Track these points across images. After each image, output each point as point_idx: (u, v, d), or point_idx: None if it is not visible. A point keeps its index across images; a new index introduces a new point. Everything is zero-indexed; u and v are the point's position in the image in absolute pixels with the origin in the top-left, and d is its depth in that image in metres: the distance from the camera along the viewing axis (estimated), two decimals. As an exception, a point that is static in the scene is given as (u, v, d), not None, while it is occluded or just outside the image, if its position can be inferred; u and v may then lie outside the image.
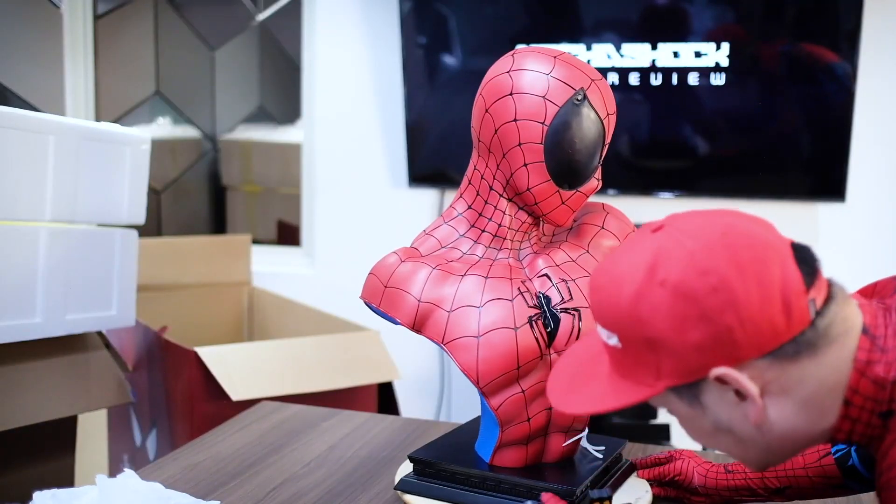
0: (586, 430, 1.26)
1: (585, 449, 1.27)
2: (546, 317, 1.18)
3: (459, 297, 1.17)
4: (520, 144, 1.16)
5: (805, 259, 0.80)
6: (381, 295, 1.19)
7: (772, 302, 0.77)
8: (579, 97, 1.14)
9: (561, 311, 1.18)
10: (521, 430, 1.20)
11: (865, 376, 0.80)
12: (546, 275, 1.20)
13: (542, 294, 1.19)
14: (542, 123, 1.14)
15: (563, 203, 1.19)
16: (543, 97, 1.14)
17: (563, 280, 1.20)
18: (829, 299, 0.80)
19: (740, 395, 0.80)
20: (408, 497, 1.24)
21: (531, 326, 1.16)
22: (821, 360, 0.80)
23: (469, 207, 1.23)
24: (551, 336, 1.18)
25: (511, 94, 1.15)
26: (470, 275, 1.18)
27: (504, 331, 1.15)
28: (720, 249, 0.78)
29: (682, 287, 0.77)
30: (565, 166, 1.16)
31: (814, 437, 0.83)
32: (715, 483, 1.18)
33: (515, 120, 1.15)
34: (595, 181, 1.19)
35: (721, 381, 0.79)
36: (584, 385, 0.89)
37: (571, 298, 1.19)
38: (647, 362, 0.81)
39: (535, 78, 1.15)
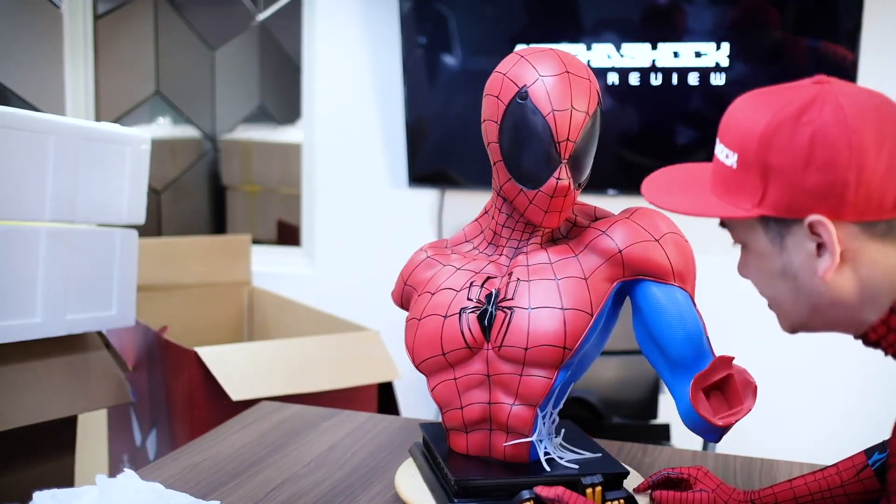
0: (534, 437, 1.19)
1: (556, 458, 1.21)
2: (488, 312, 1.19)
3: (429, 283, 1.25)
4: (488, 144, 1.19)
5: None
6: (397, 278, 1.33)
7: (892, 180, 0.82)
8: (521, 95, 1.13)
9: (498, 308, 1.18)
10: (456, 418, 1.23)
11: None
12: (511, 272, 1.21)
13: (496, 290, 1.20)
14: (497, 123, 1.16)
15: (531, 203, 1.16)
16: (497, 97, 1.16)
17: (518, 279, 1.19)
18: None
19: (820, 248, 0.85)
20: (400, 470, 1.31)
21: (460, 317, 1.19)
22: None
23: (494, 205, 1.27)
24: (488, 331, 1.19)
25: (485, 95, 1.20)
26: (447, 265, 1.25)
27: (435, 317, 1.21)
28: (871, 119, 0.83)
29: (823, 132, 0.82)
30: (514, 165, 1.16)
31: (852, 321, 0.88)
32: None
33: (484, 121, 1.19)
34: (554, 181, 1.13)
35: (812, 229, 0.84)
36: (681, 193, 0.96)
37: (513, 298, 1.17)
38: (752, 188, 0.86)
39: (495, 78, 1.17)
